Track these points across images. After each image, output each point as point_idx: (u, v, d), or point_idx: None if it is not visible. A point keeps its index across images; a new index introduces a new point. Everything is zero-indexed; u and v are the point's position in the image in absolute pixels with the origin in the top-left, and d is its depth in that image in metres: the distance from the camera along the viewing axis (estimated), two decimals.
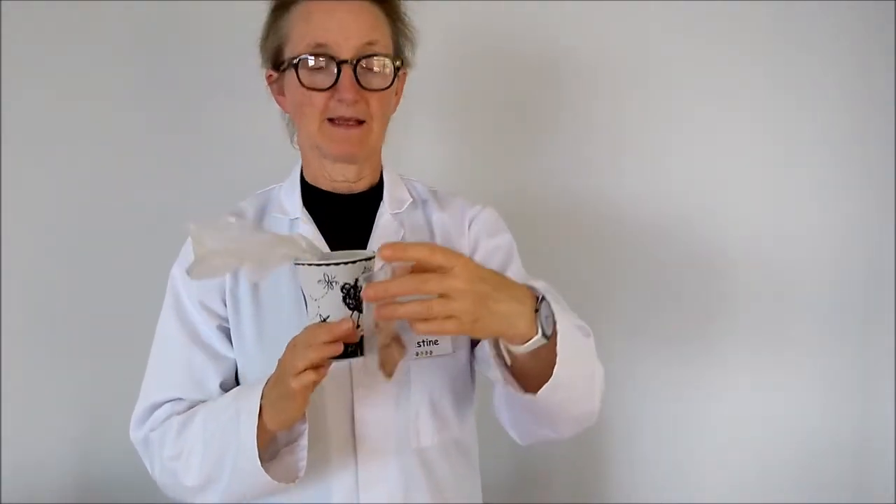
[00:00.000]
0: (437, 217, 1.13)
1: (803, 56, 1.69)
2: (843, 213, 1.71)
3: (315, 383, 0.85)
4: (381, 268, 0.81)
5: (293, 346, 0.87)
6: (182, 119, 1.63)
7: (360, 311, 0.85)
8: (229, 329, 1.06)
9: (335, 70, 0.99)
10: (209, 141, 1.64)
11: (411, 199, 1.14)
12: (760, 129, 1.70)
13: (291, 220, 1.10)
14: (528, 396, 0.88)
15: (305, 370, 0.84)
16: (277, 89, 1.09)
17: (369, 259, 0.85)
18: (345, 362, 0.86)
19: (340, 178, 1.09)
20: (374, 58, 1.01)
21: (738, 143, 1.70)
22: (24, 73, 1.57)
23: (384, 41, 1.03)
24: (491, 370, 0.93)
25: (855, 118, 1.70)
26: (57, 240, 1.60)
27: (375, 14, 1.03)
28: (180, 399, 1.05)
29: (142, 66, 1.61)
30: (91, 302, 1.61)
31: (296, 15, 1.02)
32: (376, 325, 0.87)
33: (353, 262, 0.83)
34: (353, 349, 0.85)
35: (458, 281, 0.76)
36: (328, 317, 0.85)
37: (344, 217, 1.10)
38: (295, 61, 1.01)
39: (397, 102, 1.12)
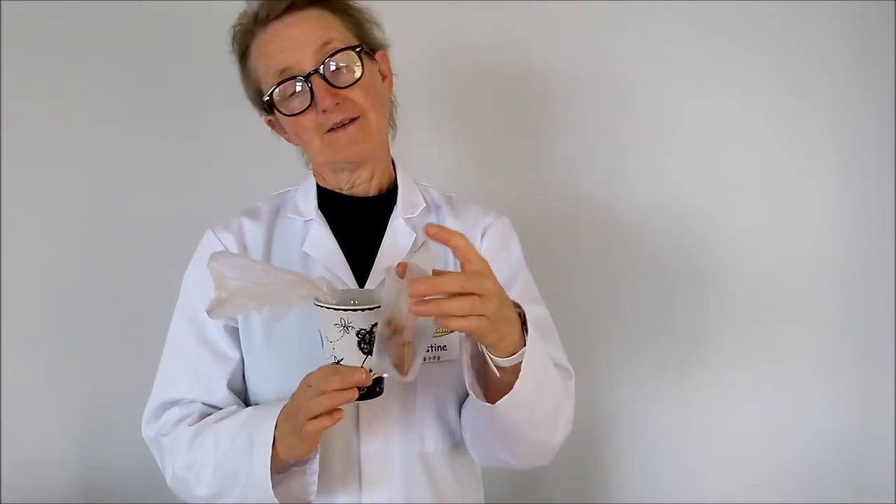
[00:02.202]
0: (450, 224, 1.14)
1: (805, 56, 1.67)
2: (844, 216, 1.71)
3: (328, 428, 0.87)
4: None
5: (306, 386, 0.89)
6: (185, 121, 1.61)
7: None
8: (237, 329, 1.07)
9: (307, 86, 1.00)
10: (212, 143, 1.62)
11: (425, 205, 1.14)
12: (763, 130, 1.69)
13: (305, 221, 1.10)
14: (487, 405, 0.90)
15: (319, 416, 0.86)
16: (279, 129, 1.11)
17: (387, 304, 0.86)
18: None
19: (357, 183, 1.11)
20: (336, 56, 1.01)
21: (740, 144, 1.69)
22: (25, 73, 1.55)
23: (339, 36, 1.03)
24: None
25: (857, 119, 1.69)
26: (58, 239, 1.59)
27: (321, 17, 1.04)
28: (189, 401, 1.07)
29: (144, 67, 1.60)
30: (92, 302, 1.60)
31: (255, 55, 1.05)
32: (388, 325, 0.88)
33: (371, 308, 0.84)
34: (365, 392, 0.87)
35: (490, 282, 0.81)
36: (342, 359, 0.86)
37: (357, 220, 1.11)
38: (267, 98, 1.04)
39: (390, 83, 1.13)
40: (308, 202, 1.12)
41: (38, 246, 1.59)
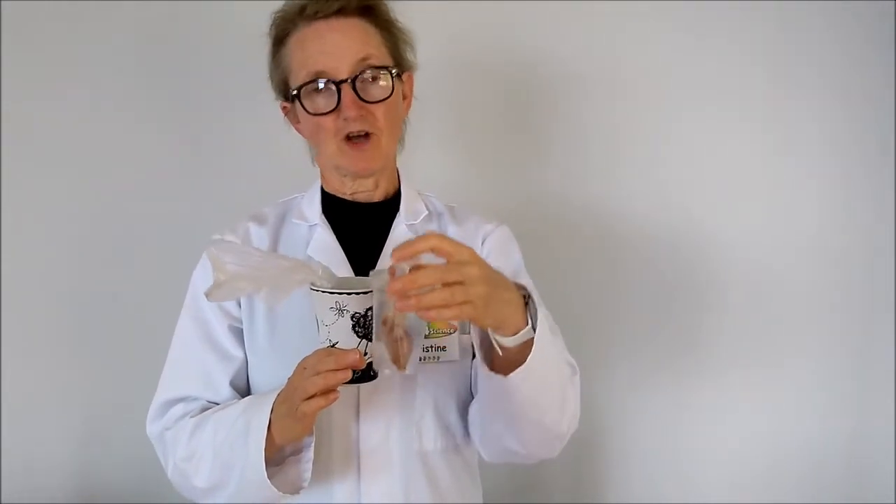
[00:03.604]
0: (452, 231, 1.16)
1: (801, 58, 1.68)
2: (841, 217, 1.72)
3: (323, 408, 0.88)
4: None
5: (302, 368, 0.90)
6: (186, 121, 1.62)
7: (369, 340, 0.88)
8: (241, 329, 1.09)
9: (336, 91, 1.02)
10: (213, 144, 1.63)
11: (427, 212, 1.17)
12: (760, 131, 1.70)
13: (310, 226, 1.13)
14: (500, 378, 0.90)
15: (314, 396, 0.87)
16: (293, 118, 1.12)
17: (381, 290, 0.87)
18: (352, 385, 0.89)
19: (360, 190, 1.13)
20: (371, 71, 1.04)
21: (737, 145, 1.70)
22: (25, 73, 1.55)
23: (378, 53, 1.06)
24: (478, 369, 0.96)
25: (855, 122, 1.70)
26: (58, 239, 1.59)
27: (365, 28, 1.06)
28: (193, 398, 1.08)
29: (144, 67, 1.60)
30: (92, 302, 1.60)
31: (292, 46, 1.07)
32: (384, 323, 0.90)
33: (365, 292, 0.86)
34: (360, 375, 0.88)
35: (473, 268, 0.82)
36: (337, 342, 0.87)
37: (361, 226, 1.13)
38: (295, 92, 1.05)
39: (408, 105, 1.15)
40: (313, 207, 1.14)
41: (38, 246, 1.59)
